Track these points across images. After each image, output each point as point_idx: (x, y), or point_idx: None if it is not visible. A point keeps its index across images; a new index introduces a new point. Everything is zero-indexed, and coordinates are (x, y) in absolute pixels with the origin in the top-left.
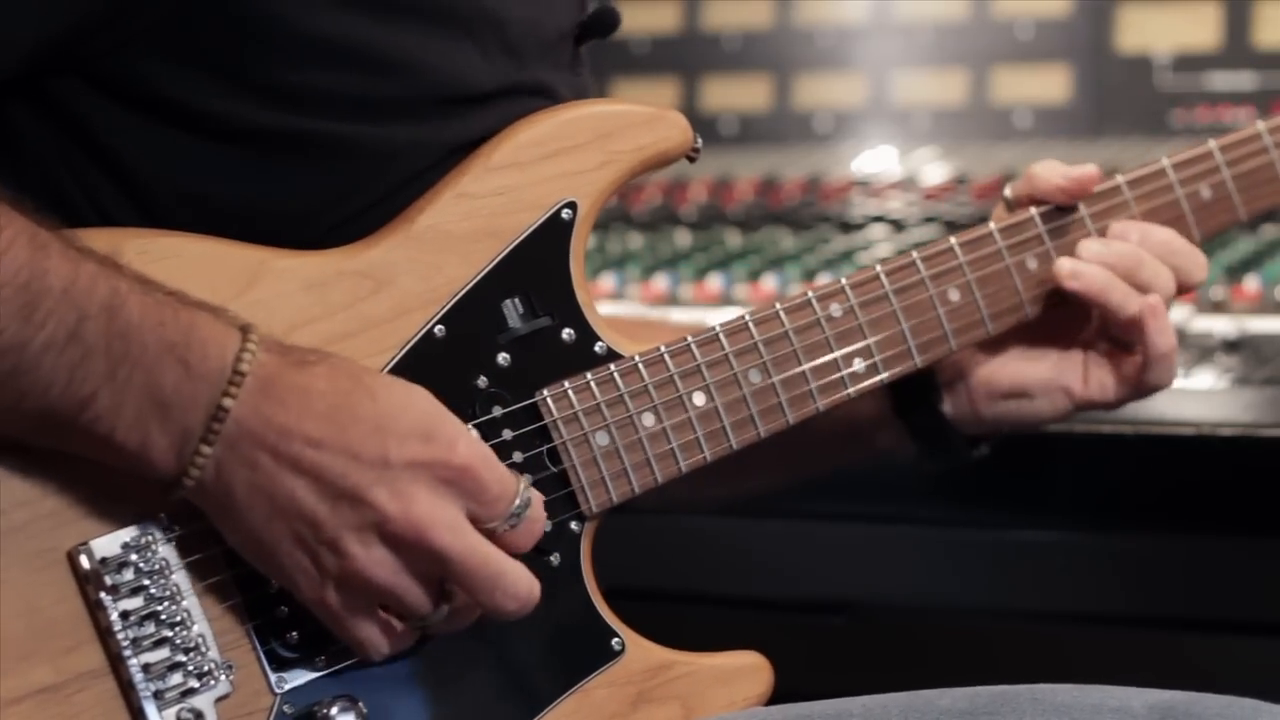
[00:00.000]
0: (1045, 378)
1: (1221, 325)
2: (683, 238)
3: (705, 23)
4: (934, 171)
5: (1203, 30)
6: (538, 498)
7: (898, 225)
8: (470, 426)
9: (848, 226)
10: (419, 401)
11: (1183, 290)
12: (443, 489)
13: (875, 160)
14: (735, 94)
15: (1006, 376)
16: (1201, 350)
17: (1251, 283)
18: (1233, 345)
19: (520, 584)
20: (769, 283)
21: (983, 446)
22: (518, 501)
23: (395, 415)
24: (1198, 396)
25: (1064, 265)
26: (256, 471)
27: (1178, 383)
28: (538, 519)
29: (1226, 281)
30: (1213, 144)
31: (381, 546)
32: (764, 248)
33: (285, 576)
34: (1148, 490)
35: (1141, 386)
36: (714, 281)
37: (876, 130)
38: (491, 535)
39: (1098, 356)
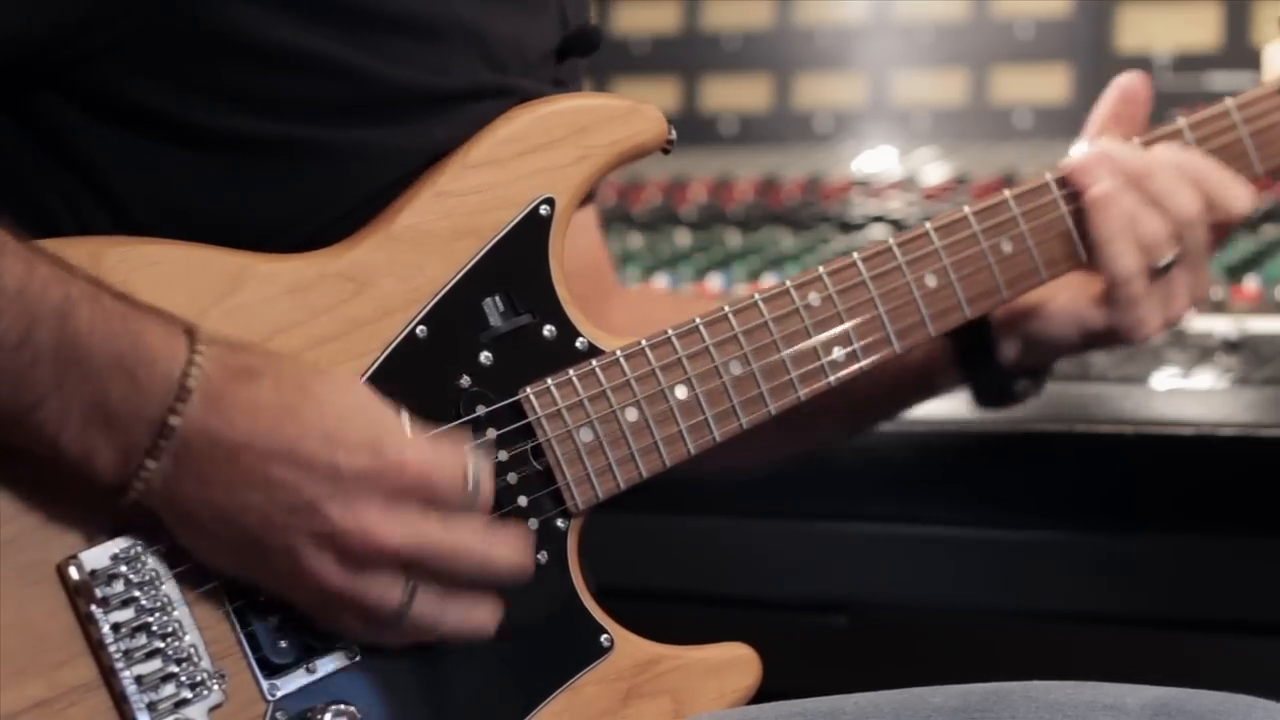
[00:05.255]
0: (1064, 308)
1: (1221, 325)
2: (683, 238)
3: (705, 23)
4: (934, 171)
5: (1203, 30)
6: (485, 468)
7: (898, 225)
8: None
9: (848, 226)
10: (365, 408)
11: (1224, 220)
12: (394, 497)
13: (875, 160)
14: (735, 94)
15: (1035, 307)
16: (1201, 350)
17: (1251, 283)
18: (1233, 345)
19: (475, 555)
20: (769, 283)
21: (1023, 384)
22: (469, 488)
23: (343, 425)
24: (1198, 396)
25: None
26: (206, 485)
27: (1178, 382)
28: (489, 491)
29: (1226, 281)
30: (1182, 121)
31: (336, 556)
32: (764, 248)
33: (245, 577)
34: (1148, 490)
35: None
36: (714, 281)
37: (876, 130)
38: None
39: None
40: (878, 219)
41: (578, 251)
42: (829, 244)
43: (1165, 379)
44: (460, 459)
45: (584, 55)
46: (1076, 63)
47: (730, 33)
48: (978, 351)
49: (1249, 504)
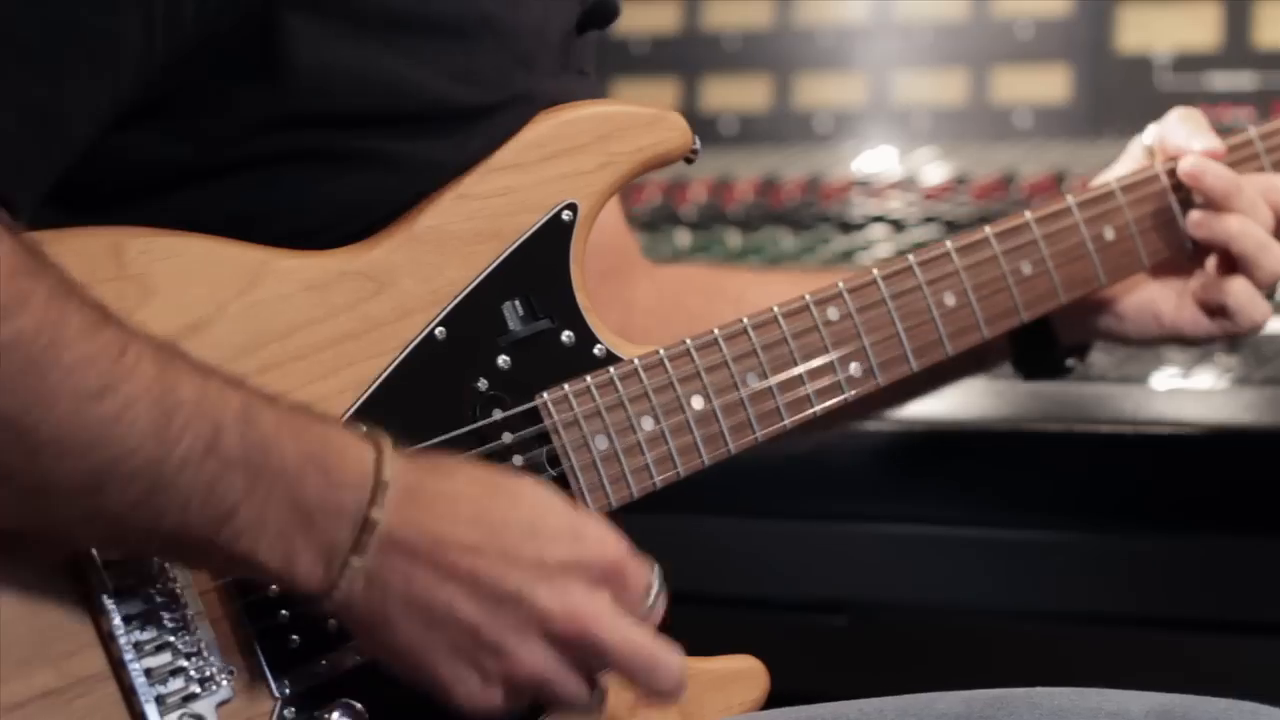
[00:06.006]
0: (1138, 302)
1: None
2: (683, 238)
3: (705, 23)
4: (934, 171)
5: (1203, 30)
6: (661, 579)
7: (898, 225)
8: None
9: (848, 226)
10: (558, 502)
11: None
12: (596, 585)
13: (875, 160)
14: (735, 94)
15: (1104, 296)
16: (1201, 350)
17: None
18: (1233, 345)
19: (674, 664)
20: None
21: (1071, 360)
22: (655, 590)
23: (543, 516)
24: (1198, 396)
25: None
26: (412, 582)
27: (1178, 382)
28: (663, 603)
29: None
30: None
31: (543, 644)
32: (764, 248)
33: (442, 685)
34: (1148, 490)
35: (1228, 323)
36: None
37: (876, 130)
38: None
39: (1194, 289)
40: (878, 219)
41: (597, 230)
42: (829, 244)
43: (1165, 379)
44: (646, 567)
45: (602, 28)
46: (1076, 63)
47: (730, 33)
48: (1034, 335)
49: (1249, 504)
